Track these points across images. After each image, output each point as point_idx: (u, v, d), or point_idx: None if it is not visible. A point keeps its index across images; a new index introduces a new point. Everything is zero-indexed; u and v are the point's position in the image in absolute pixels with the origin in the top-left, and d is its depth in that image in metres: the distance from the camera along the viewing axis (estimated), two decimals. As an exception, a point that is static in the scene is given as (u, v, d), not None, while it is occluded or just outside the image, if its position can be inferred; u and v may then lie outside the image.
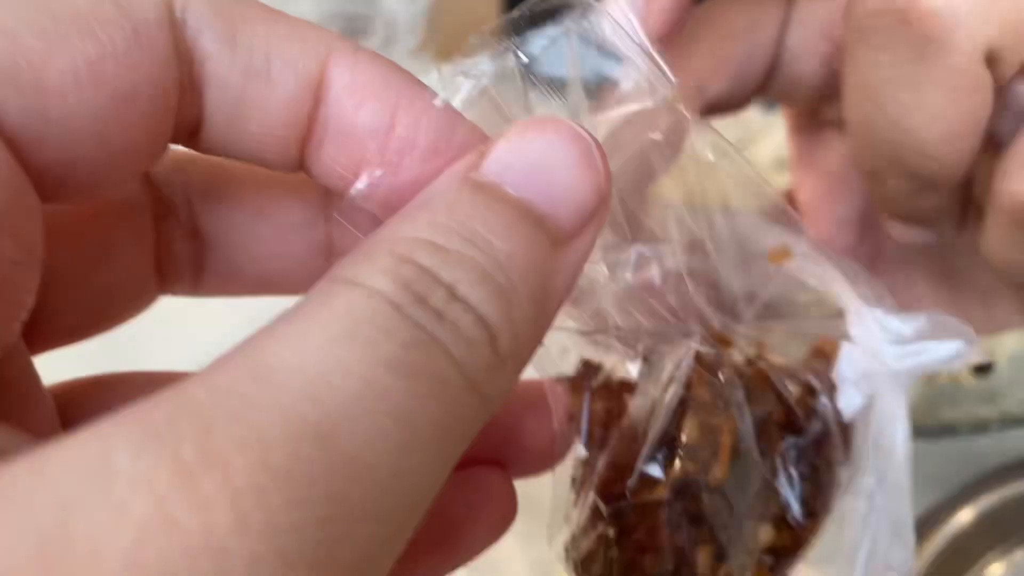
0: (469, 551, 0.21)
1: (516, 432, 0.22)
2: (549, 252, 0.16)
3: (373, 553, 0.13)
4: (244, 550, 0.11)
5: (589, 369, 0.22)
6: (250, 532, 0.12)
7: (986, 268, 0.27)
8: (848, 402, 0.21)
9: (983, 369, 0.47)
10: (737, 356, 0.22)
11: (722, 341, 0.22)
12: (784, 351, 0.23)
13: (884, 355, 0.20)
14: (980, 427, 0.43)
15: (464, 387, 0.14)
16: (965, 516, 0.40)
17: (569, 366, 0.22)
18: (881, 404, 0.21)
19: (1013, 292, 0.32)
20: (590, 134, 0.16)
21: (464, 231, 0.15)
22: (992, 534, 0.40)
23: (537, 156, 0.16)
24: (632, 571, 0.21)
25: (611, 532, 0.21)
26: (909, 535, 0.21)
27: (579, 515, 0.21)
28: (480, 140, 0.17)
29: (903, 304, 0.26)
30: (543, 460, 0.22)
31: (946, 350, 0.20)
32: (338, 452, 0.12)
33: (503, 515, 0.22)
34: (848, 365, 0.21)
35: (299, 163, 0.18)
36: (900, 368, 0.20)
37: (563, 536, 0.22)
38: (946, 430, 0.43)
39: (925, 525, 0.40)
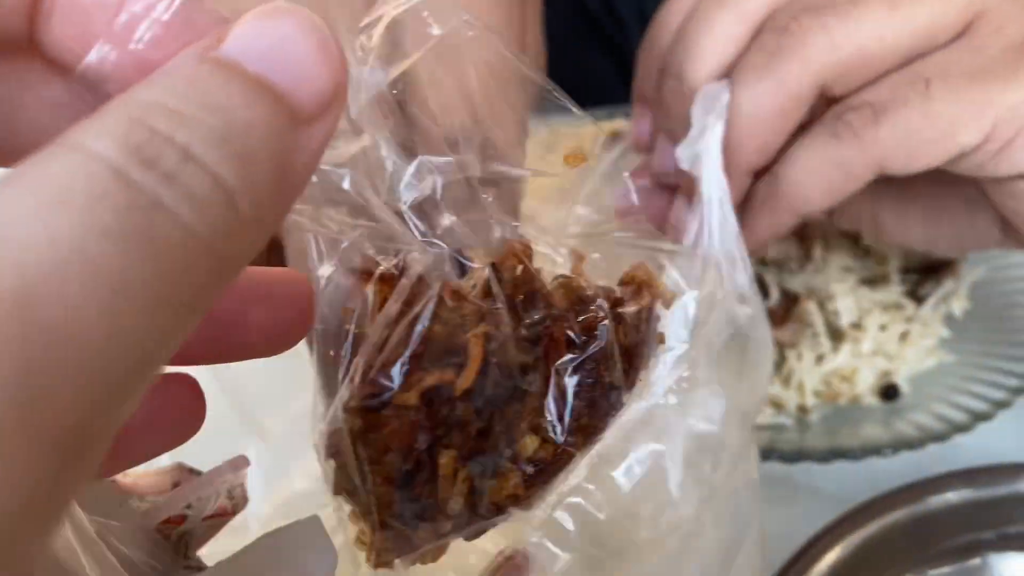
0: (147, 453, 0.22)
1: (239, 318, 0.22)
2: (289, 127, 0.16)
3: (85, 416, 0.13)
4: None
5: (370, 264, 0.22)
6: None
7: (970, 180, 0.36)
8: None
9: (890, 395, 0.47)
10: (548, 269, 0.22)
11: (519, 254, 0.22)
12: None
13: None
14: (873, 450, 0.43)
15: (194, 249, 0.14)
16: (831, 558, 0.38)
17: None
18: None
19: (992, 205, 0.39)
20: (327, 27, 0.17)
21: (204, 98, 0.15)
22: (863, 571, 0.38)
23: (275, 40, 0.16)
24: (375, 465, 0.21)
25: (357, 428, 0.21)
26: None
27: (334, 407, 0.21)
28: (218, 24, 0.17)
29: (901, 205, 0.40)
30: (270, 348, 0.23)
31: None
32: (35, 321, 0.12)
33: (190, 422, 0.22)
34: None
35: (29, 35, 0.18)
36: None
37: (322, 425, 0.22)
38: (840, 453, 0.44)
39: (793, 568, 0.38)
